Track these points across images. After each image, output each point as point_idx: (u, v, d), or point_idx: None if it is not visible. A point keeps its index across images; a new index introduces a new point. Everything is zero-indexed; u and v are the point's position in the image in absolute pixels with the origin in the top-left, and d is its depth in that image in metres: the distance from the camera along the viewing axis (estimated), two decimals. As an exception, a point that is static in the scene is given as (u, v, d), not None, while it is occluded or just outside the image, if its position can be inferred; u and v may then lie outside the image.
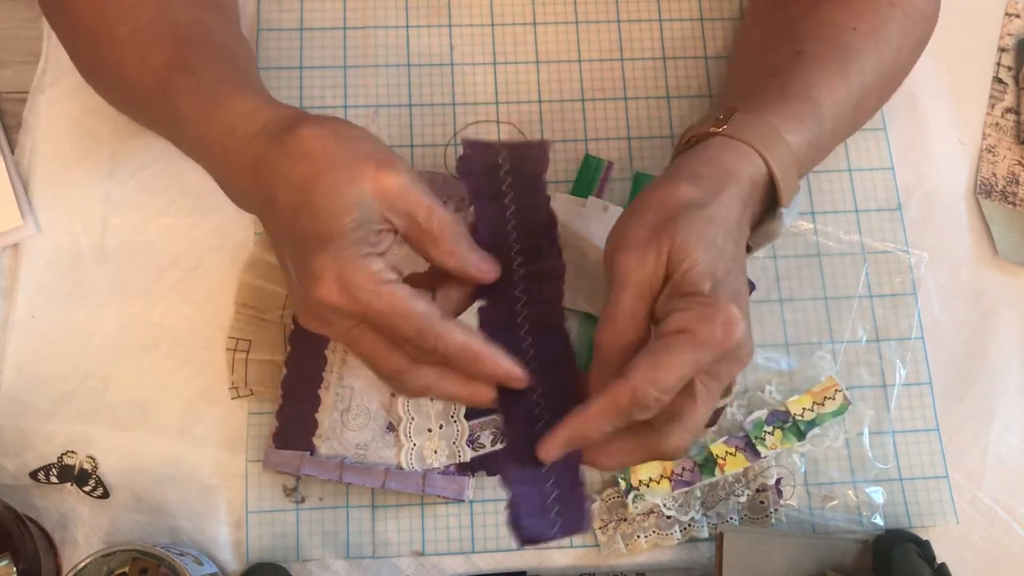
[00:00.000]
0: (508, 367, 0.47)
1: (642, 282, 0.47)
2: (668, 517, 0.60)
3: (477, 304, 0.50)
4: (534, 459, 0.48)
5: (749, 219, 0.51)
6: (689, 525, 0.60)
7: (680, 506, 0.60)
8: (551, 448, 0.47)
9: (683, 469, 0.61)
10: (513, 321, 0.50)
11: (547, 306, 0.51)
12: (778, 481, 0.61)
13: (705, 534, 0.60)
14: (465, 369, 0.47)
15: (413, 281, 0.49)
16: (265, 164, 0.47)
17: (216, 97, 0.50)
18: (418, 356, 0.47)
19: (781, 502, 0.61)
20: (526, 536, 0.47)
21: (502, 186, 0.52)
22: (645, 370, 0.44)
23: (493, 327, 0.50)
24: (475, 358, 0.46)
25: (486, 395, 0.48)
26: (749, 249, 0.53)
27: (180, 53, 0.53)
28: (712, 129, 0.52)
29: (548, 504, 0.48)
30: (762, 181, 0.51)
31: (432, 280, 0.50)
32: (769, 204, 0.52)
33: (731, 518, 0.60)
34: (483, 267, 0.49)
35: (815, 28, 0.59)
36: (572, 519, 0.48)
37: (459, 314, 0.50)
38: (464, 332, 0.46)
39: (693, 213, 0.47)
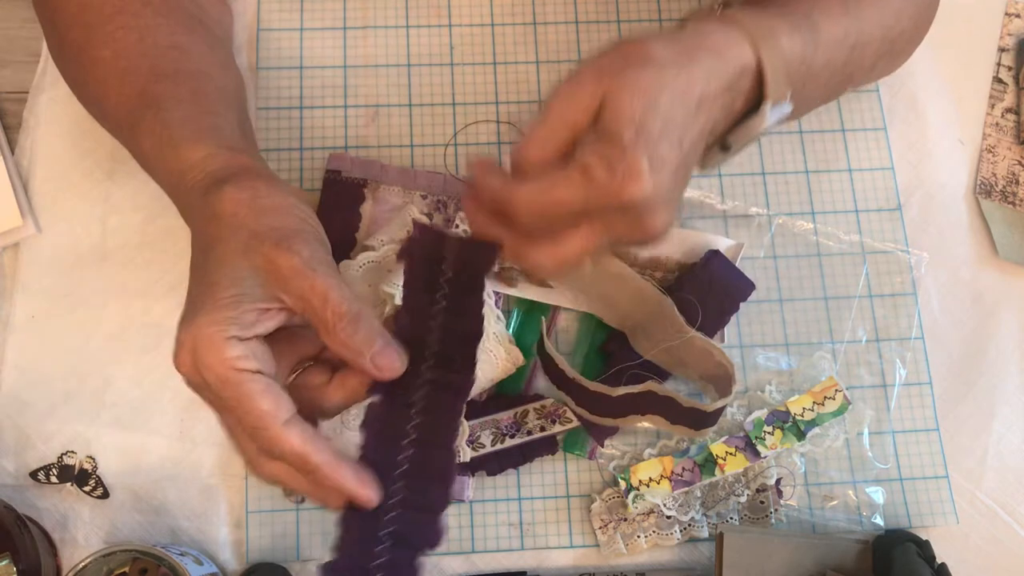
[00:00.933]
0: (350, 484, 0.44)
1: (564, 112, 0.43)
2: (668, 517, 0.60)
3: (369, 399, 0.47)
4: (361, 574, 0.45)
5: (727, 105, 0.48)
6: (689, 525, 0.60)
7: (680, 506, 0.60)
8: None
9: (683, 469, 0.61)
10: (401, 427, 0.47)
11: (441, 419, 0.47)
12: (778, 481, 0.61)
13: (705, 534, 0.60)
14: (308, 479, 0.45)
15: (324, 357, 0.47)
16: (193, 214, 0.48)
17: (174, 140, 0.51)
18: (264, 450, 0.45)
19: (781, 502, 0.61)
20: None
21: (440, 278, 0.48)
22: (535, 188, 0.42)
23: (377, 427, 0.47)
24: (312, 468, 0.44)
25: (335, 503, 0.46)
26: (728, 147, 0.50)
27: (152, 88, 0.53)
28: (710, 11, 0.50)
29: None
30: (749, 70, 0.48)
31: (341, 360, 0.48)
32: (754, 103, 0.50)
33: (731, 518, 0.60)
34: (380, 362, 0.45)
35: None
36: None
37: (353, 403, 0.48)
38: (304, 442, 0.44)
39: (648, 67, 0.44)
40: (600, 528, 0.60)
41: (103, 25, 0.55)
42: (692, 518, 0.60)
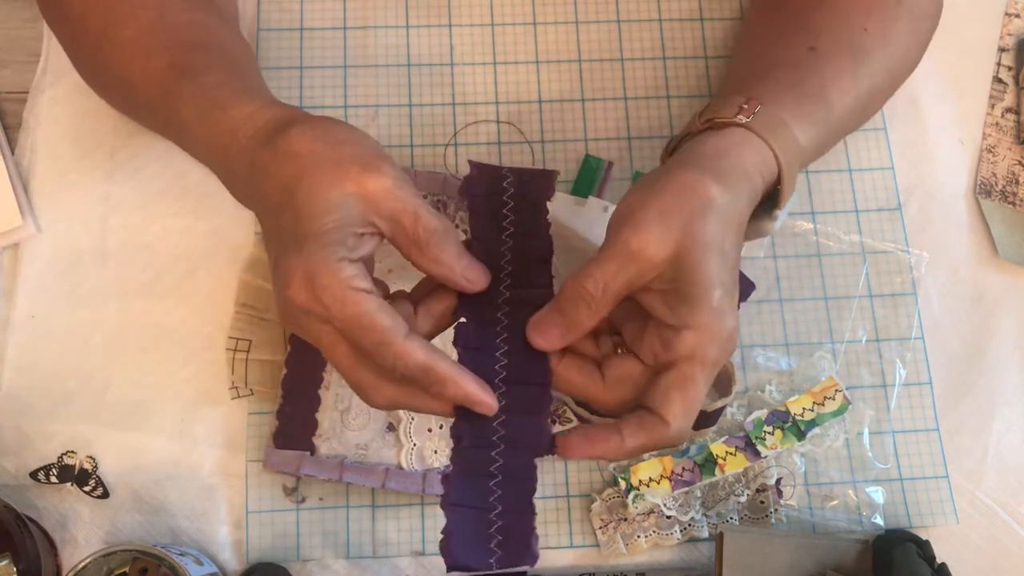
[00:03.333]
0: (473, 391, 0.45)
1: (640, 262, 0.45)
2: (668, 517, 0.60)
3: (456, 323, 0.49)
4: (482, 482, 0.46)
5: (749, 213, 0.51)
6: (689, 525, 0.60)
7: (680, 506, 0.60)
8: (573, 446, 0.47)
9: (683, 469, 0.61)
10: (491, 341, 0.48)
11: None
12: (778, 481, 0.61)
13: (705, 534, 0.60)
14: (427, 391, 0.45)
15: (398, 296, 0.48)
16: (258, 166, 0.47)
17: (217, 102, 0.50)
18: (382, 371, 0.45)
19: (781, 502, 0.61)
20: (455, 563, 0.45)
21: (503, 208, 0.51)
22: (680, 410, 0.45)
23: (468, 345, 0.48)
24: (438, 380, 0.45)
25: (447, 410, 0.47)
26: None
27: (182, 57, 0.53)
28: (737, 120, 0.51)
29: (489, 533, 0.45)
30: (770, 181, 0.51)
31: (419, 294, 0.49)
32: (765, 200, 0.52)
33: (731, 518, 0.60)
34: (470, 275, 0.47)
35: (828, 23, 0.59)
36: (514, 552, 0.45)
37: (442, 330, 0.49)
38: (428, 353, 0.44)
39: (713, 215, 0.46)
40: (600, 528, 0.60)
41: (119, 7, 0.55)
42: (692, 518, 0.60)
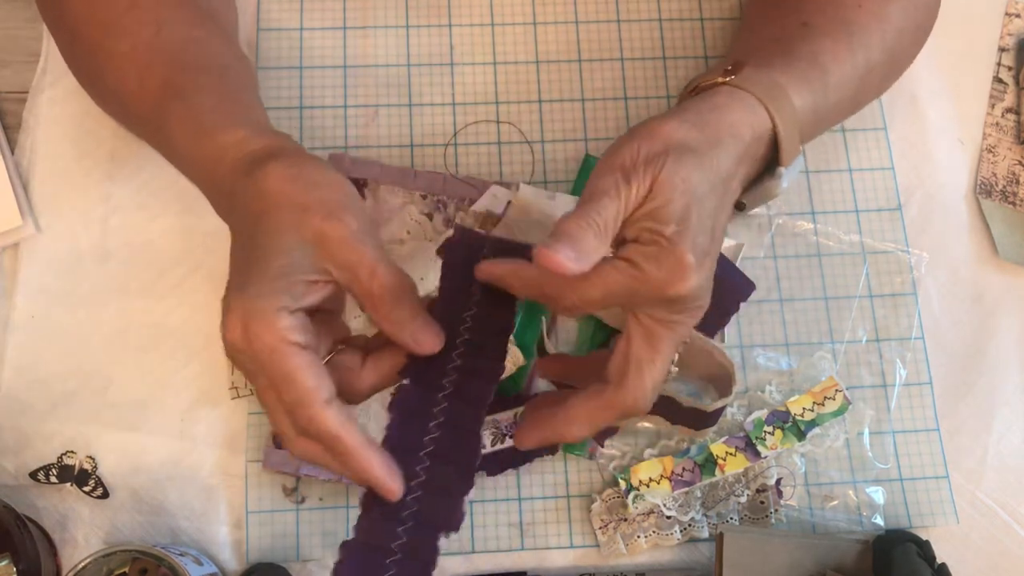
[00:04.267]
0: (378, 474, 0.44)
1: (617, 205, 0.45)
2: (668, 517, 0.60)
3: (399, 383, 0.48)
4: (379, 558, 0.45)
5: (743, 176, 0.50)
6: (689, 525, 0.60)
7: (680, 506, 0.60)
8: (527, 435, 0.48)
9: (683, 469, 0.61)
10: (429, 410, 0.47)
11: (469, 404, 0.48)
12: (778, 481, 0.61)
13: (705, 534, 0.60)
14: (338, 461, 0.45)
15: (352, 343, 0.48)
16: (235, 196, 0.48)
17: (206, 127, 0.50)
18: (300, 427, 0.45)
19: (781, 502, 0.61)
20: None
21: (476, 277, 0.50)
22: (616, 365, 0.46)
23: (406, 408, 0.47)
24: (344, 452, 0.44)
25: (360, 483, 0.46)
26: (742, 207, 0.52)
27: (176, 78, 0.53)
28: (720, 79, 0.51)
29: None
30: (764, 137, 0.50)
31: (375, 343, 0.49)
32: (768, 162, 0.52)
33: (731, 518, 0.60)
34: (419, 337, 0.46)
35: (820, 2, 0.59)
36: None
37: (385, 387, 0.48)
38: (341, 424, 0.44)
39: (685, 155, 0.46)
40: (600, 528, 0.60)
41: (118, 20, 0.55)
42: (692, 518, 0.60)
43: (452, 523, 0.46)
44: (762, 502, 0.61)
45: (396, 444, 0.46)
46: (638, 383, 0.46)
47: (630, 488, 0.60)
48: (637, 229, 0.45)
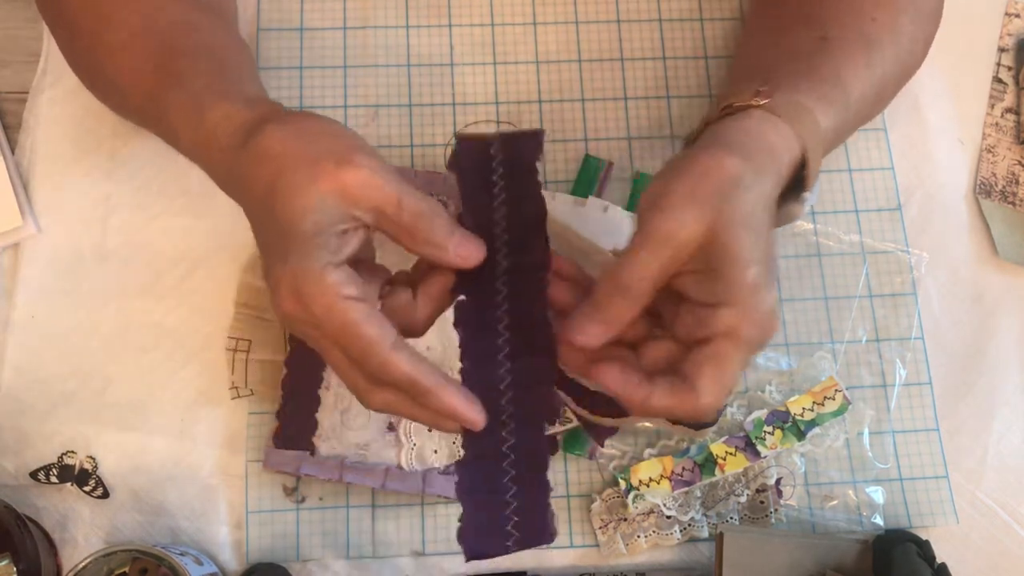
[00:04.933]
0: (458, 405, 0.45)
1: (674, 246, 0.44)
2: (668, 517, 0.60)
3: (455, 301, 0.48)
4: (494, 465, 0.45)
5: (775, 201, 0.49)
6: (689, 525, 0.60)
7: (680, 506, 0.60)
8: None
9: (683, 469, 0.61)
10: (492, 315, 0.48)
11: (529, 299, 0.48)
12: (778, 481, 0.61)
13: (705, 534, 0.60)
14: (415, 400, 0.45)
15: (397, 282, 0.48)
16: (236, 171, 0.47)
17: (198, 106, 0.50)
18: (374, 378, 0.45)
19: (781, 502, 0.61)
20: (472, 553, 0.45)
21: (492, 176, 0.50)
22: (712, 385, 0.44)
23: (470, 322, 0.47)
24: (422, 392, 0.44)
25: (449, 426, 0.46)
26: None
27: (169, 63, 0.53)
28: (754, 102, 0.51)
29: (505, 516, 0.45)
30: (794, 163, 0.50)
31: (418, 274, 0.48)
32: (789, 186, 0.51)
33: (731, 518, 0.60)
34: (462, 251, 0.46)
35: (836, 14, 0.59)
36: (531, 533, 0.45)
37: (442, 311, 0.48)
38: (413, 364, 0.44)
39: (743, 192, 0.45)
40: (600, 528, 0.60)
41: (115, 11, 0.55)
42: (692, 518, 0.60)
43: (550, 411, 0.47)
44: (762, 502, 0.61)
45: (473, 356, 0.47)
46: (713, 398, 0.45)
47: (630, 488, 0.60)
48: (713, 282, 0.44)
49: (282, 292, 0.44)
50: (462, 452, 0.46)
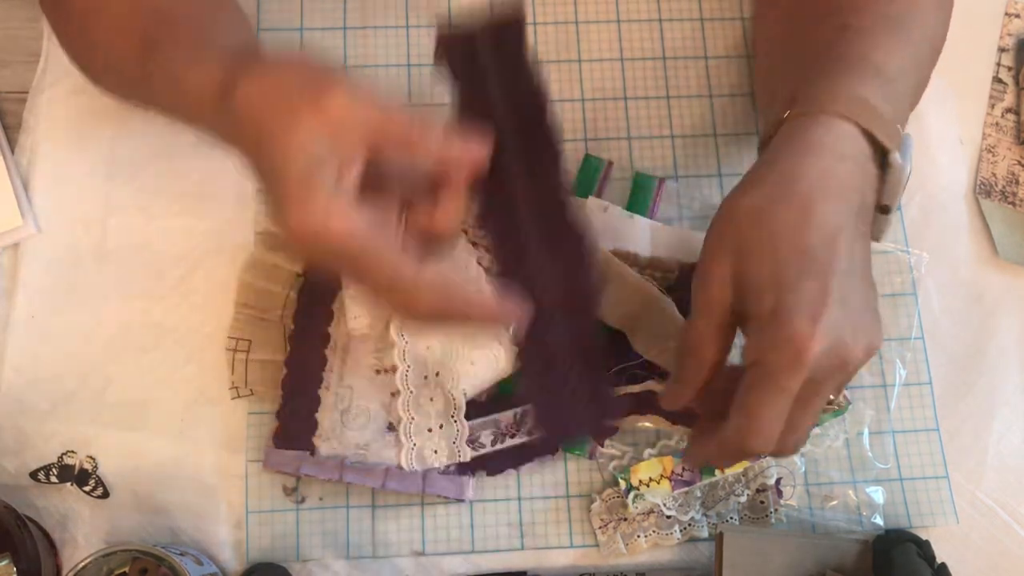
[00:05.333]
0: (499, 309, 0.46)
1: (709, 305, 0.46)
2: (668, 517, 0.60)
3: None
4: (550, 369, 0.47)
5: (854, 191, 0.47)
6: (689, 525, 0.60)
7: (680, 506, 0.60)
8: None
9: (683, 469, 0.61)
10: (514, 205, 0.47)
11: (548, 182, 0.48)
12: (778, 481, 0.61)
13: (705, 534, 0.60)
14: (458, 312, 0.45)
15: (417, 189, 0.47)
16: (224, 132, 0.47)
17: (181, 70, 0.49)
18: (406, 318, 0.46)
19: (781, 502, 0.61)
20: (558, 439, 0.48)
21: (482, 64, 0.49)
22: (737, 427, 0.45)
23: (497, 218, 0.47)
24: (461, 305, 0.44)
25: (508, 309, 0.46)
26: (887, 209, 0.49)
27: (153, 32, 0.53)
28: (784, 115, 0.50)
29: (574, 407, 0.48)
30: (865, 152, 0.48)
31: (436, 179, 0.47)
32: (882, 166, 0.49)
33: (731, 518, 0.60)
34: (470, 145, 0.45)
35: (857, 2, 0.57)
36: (598, 419, 0.50)
37: (462, 219, 0.47)
38: (445, 281, 0.44)
39: (749, 220, 0.45)
40: (600, 528, 0.60)
41: None
42: (692, 518, 0.60)
43: (593, 295, 0.48)
44: (762, 502, 0.61)
45: (505, 259, 0.47)
46: (742, 423, 0.45)
47: (630, 488, 0.60)
48: (747, 322, 0.46)
49: (296, 246, 0.44)
50: (522, 362, 0.48)
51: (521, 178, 0.47)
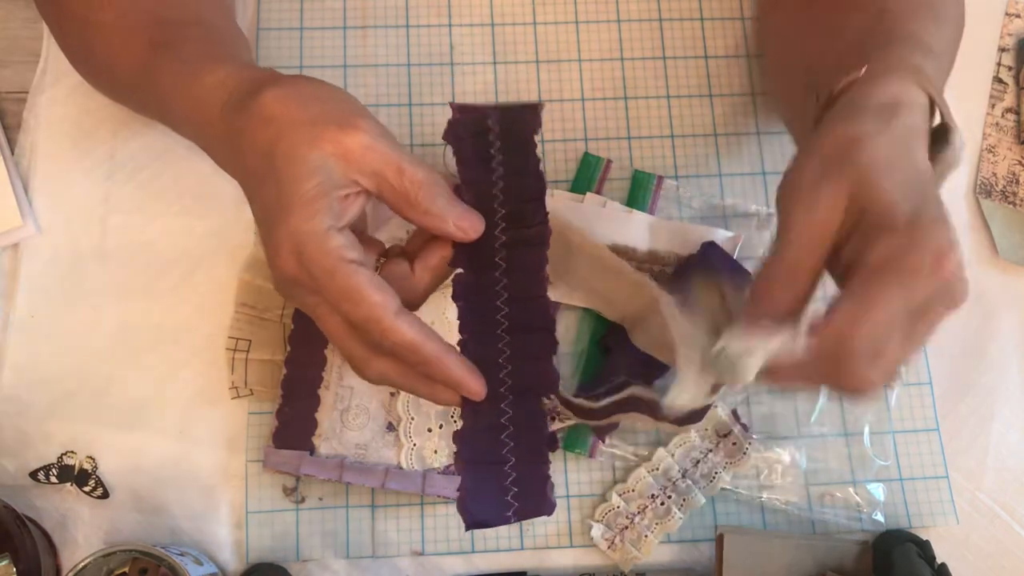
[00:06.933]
0: (461, 375, 0.45)
1: (812, 228, 0.41)
2: (662, 504, 0.60)
3: (454, 273, 0.48)
4: (493, 435, 0.46)
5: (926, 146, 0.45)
6: (684, 500, 0.60)
7: (664, 489, 0.60)
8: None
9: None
10: (491, 289, 0.48)
11: (527, 273, 0.48)
12: (734, 412, 0.62)
13: (702, 500, 0.60)
14: (415, 369, 0.45)
15: (393, 254, 0.48)
16: (233, 133, 0.46)
17: (192, 72, 0.50)
18: (374, 345, 0.45)
19: (753, 436, 0.61)
20: (474, 521, 0.45)
21: (490, 149, 0.50)
22: (850, 311, 0.39)
23: (470, 294, 0.48)
24: (424, 360, 0.44)
25: (447, 397, 0.46)
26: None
27: (160, 34, 0.53)
28: (855, 76, 0.47)
29: (504, 486, 0.46)
30: (927, 107, 0.46)
31: (414, 246, 0.48)
32: (933, 138, 0.47)
33: (716, 473, 0.60)
34: (463, 224, 0.46)
35: None
36: (531, 503, 0.46)
37: (441, 282, 0.48)
38: (417, 331, 0.44)
39: (871, 145, 0.41)
40: (610, 548, 0.60)
41: None
42: (681, 491, 0.60)
43: (548, 384, 0.47)
44: (734, 443, 0.61)
45: (472, 329, 0.47)
46: (876, 375, 0.41)
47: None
48: (868, 242, 0.40)
49: (283, 254, 0.43)
50: (460, 423, 0.47)
51: (504, 263, 0.48)
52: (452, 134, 0.50)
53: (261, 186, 0.45)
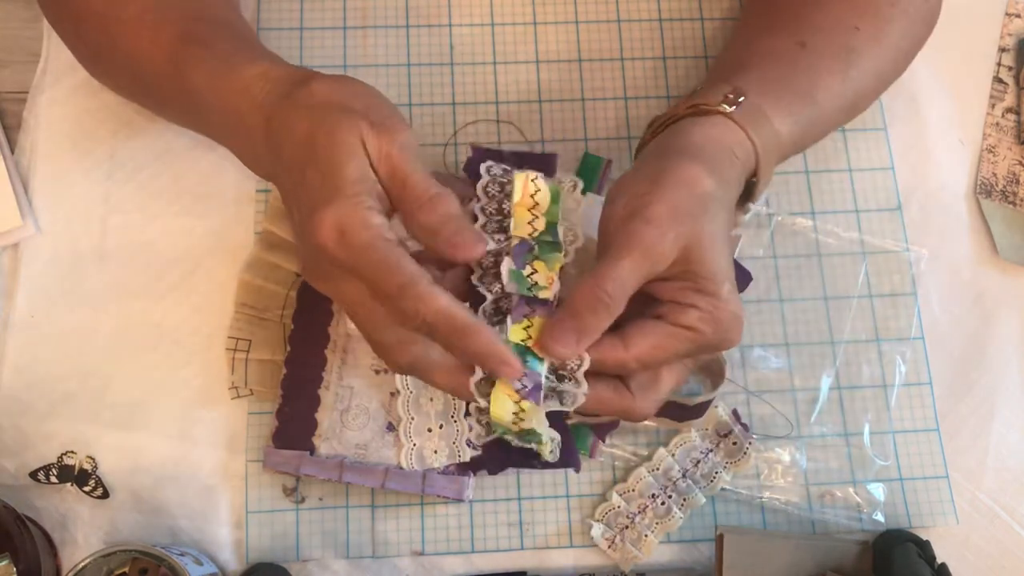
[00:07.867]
0: (496, 347, 0.46)
1: (655, 260, 0.47)
2: (663, 503, 0.60)
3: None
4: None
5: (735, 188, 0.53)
6: (685, 500, 0.60)
7: (664, 488, 0.60)
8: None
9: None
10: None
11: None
12: (734, 411, 0.62)
13: (703, 499, 0.60)
14: (450, 346, 0.46)
15: (422, 257, 0.49)
16: (275, 120, 0.48)
17: (229, 64, 0.51)
18: (404, 334, 0.47)
19: (752, 436, 0.61)
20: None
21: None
22: (646, 349, 0.47)
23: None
24: (459, 330, 0.45)
25: (464, 394, 0.49)
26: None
27: (190, 28, 0.54)
28: (722, 108, 0.53)
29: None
30: (749, 171, 0.53)
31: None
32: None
33: (716, 473, 0.60)
34: (455, 240, 0.47)
35: (819, 19, 0.59)
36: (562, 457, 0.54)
37: (461, 298, 0.50)
38: (451, 301, 0.45)
39: (716, 209, 0.48)
40: (610, 548, 0.60)
41: None
42: (681, 490, 0.60)
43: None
44: (734, 443, 0.61)
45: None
46: (653, 403, 0.50)
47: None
48: (688, 293, 0.48)
49: (325, 231, 0.45)
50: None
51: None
52: (472, 170, 0.54)
53: (301, 173, 0.47)
